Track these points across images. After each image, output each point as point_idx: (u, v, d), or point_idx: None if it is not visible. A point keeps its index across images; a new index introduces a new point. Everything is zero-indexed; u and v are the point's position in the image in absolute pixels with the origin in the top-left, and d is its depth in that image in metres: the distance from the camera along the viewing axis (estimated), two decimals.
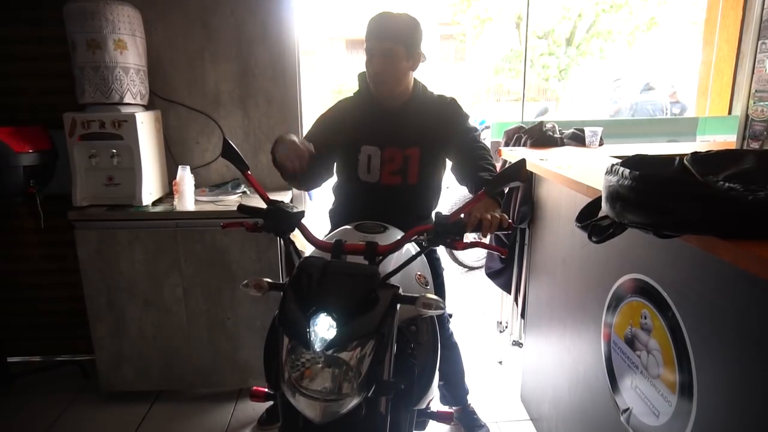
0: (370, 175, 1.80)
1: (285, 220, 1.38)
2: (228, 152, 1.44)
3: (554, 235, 2.01)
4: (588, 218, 1.22)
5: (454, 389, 2.17)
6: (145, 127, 2.29)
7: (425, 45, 1.75)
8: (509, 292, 2.61)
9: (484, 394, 2.46)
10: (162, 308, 2.35)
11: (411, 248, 1.49)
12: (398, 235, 1.47)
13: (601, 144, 2.45)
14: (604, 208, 1.12)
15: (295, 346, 1.11)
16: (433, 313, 1.17)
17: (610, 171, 1.08)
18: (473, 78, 15.59)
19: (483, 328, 3.18)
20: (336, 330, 1.07)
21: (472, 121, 1.86)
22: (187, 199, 2.29)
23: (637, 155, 1.21)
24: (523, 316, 2.49)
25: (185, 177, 2.27)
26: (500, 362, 2.80)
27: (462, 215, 1.28)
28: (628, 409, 1.45)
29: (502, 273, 2.60)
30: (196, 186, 2.37)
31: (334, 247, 1.29)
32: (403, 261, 1.28)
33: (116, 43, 2.17)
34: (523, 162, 1.24)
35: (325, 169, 1.84)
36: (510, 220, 1.39)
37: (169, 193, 2.48)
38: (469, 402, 2.23)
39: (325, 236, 1.63)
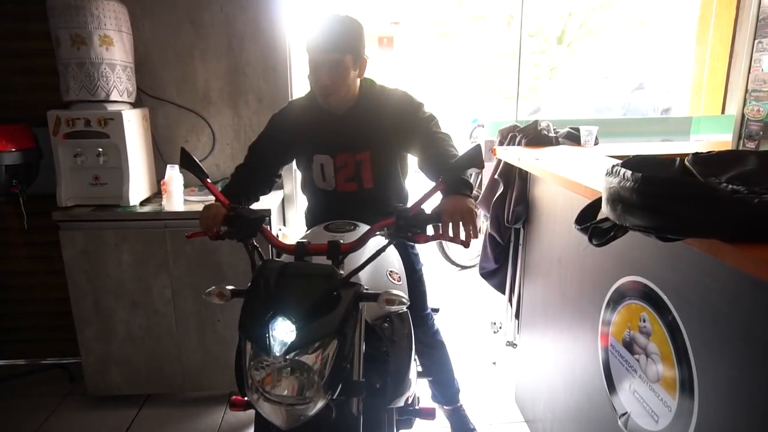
0: (326, 183, 1.77)
1: (245, 226, 1.37)
2: (186, 162, 1.43)
3: (550, 235, 1.99)
4: (587, 220, 1.19)
5: (444, 388, 2.15)
6: (133, 126, 2.24)
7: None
8: (503, 293, 2.59)
9: (477, 396, 2.44)
10: (150, 310, 2.31)
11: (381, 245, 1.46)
12: None
13: (596, 143, 2.43)
14: (605, 210, 1.10)
15: (256, 352, 1.09)
16: (396, 308, 1.16)
17: (611, 172, 1.05)
18: (464, 76, 15.59)
19: (476, 329, 3.15)
20: (295, 333, 1.05)
21: (428, 109, 1.73)
22: (176, 199, 2.24)
23: (638, 156, 1.18)
24: (517, 316, 2.47)
25: (174, 176, 2.23)
26: (494, 363, 2.78)
27: (431, 212, 1.28)
28: (626, 413, 1.43)
29: (496, 273, 2.58)
30: (185, 185, 2.32)
31: (297, 249, 1.27)
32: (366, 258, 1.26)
33: (102, 38, 2.12)
34: (478, 147, 1.23)
35: (266, 182, 1.78)
36: (471, 238, 1.33)
37: (157, 192, 2.43)
38: (460, 402, 2.20)
39: (301, 238, 1.61)
